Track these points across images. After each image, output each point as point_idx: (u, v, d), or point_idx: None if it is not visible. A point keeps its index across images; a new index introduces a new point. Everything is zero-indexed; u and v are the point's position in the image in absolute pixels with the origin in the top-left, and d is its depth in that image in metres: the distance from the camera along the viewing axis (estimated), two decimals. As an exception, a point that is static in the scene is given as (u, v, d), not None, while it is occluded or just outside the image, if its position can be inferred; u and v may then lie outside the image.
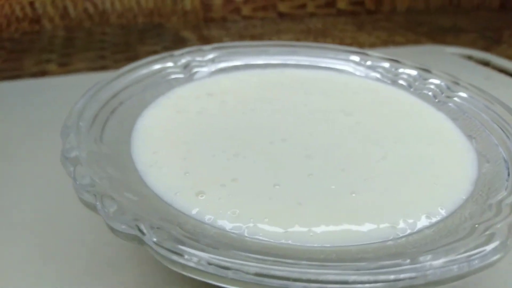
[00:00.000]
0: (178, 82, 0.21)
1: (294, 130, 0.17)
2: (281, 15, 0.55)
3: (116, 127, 0.17)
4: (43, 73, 0.35)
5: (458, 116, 0.19)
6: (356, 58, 0.23)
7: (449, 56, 0.42)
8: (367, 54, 0.23)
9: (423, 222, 0.13)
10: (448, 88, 0.20)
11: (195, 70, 0.22)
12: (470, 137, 0.17)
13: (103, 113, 0.17)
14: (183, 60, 0.22)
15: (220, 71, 0.22)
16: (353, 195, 0.14)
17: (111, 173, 0.13)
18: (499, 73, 0.37)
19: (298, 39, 0.46)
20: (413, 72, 0.22)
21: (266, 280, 0.09)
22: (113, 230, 0.11)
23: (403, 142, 0.17)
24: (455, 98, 0.20)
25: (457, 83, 0.20)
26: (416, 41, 0.47)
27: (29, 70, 0.36)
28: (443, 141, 0.17)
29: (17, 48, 0.41)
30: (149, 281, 0.14)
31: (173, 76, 0.21)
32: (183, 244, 0.10)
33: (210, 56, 0.23)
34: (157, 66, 0.21)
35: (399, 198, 0.14)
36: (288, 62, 0.24)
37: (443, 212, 0.13)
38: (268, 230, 0.12)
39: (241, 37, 0.47)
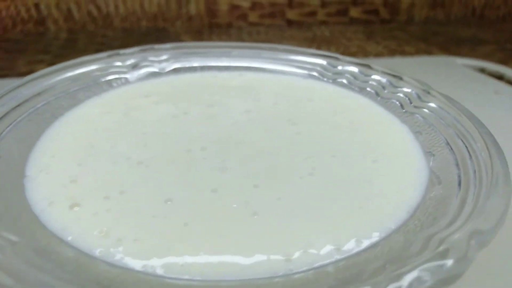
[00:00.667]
0: (119, 83, 0.19)
1: (220, 139, 0.15)
2: (290, 22, 0.53)
3: (30, 124, 0.15)
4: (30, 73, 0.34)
5: (422, 129, 0.16)
6: (324, 62, 0.21)
7: (460, 68, 0.39)
8: (337, 59, 0.21)
9: (325, 256, 0.10)
10: (419, 97, 0.18)
11: (144, 70, 0.20)
12: (429, 153, 0.15)
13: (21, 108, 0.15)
14: (132, 60, 0.20)
15: (173, 71, 0.21)
16: (255, 217, 0.11)
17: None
18: (511, 87, 0.34)
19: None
20: (383, 79, 0.19)
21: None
22: None
23: (343, 157, 0.14)
24: (424, 109, 0.17)
25: (428, 92, 0.17)
26: (427, 52, 0.44)
27: (18, 70, 0.36)
28: (394, 158, 0.15)
29: (16, 48, 0.41)
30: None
31: (116, 76, 0.19)
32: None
33: (165, 56, 0.21)
34: (101, 65, 0.19)
35: (306, 224, 0.11)
36: (251, 65, 0.21)
37: (353, 246, 0.11)
38: (133, 253, 0.10)
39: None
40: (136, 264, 0.10)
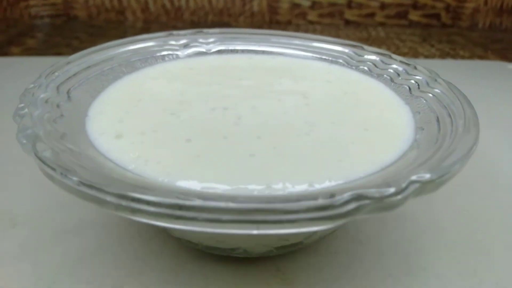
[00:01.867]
0: (171, 58, 0.23)
1: (240, 103, 0.18)
2: (347, 22, 0.55)
3: (96, 82, 0.19)
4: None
5: (421, 109, 0.18)
6: (350, 51, 0.23)
7: (508, 71, 0.38)
8: (363, 48, 0.23)
9: (300, 187, 0.13)
10: (427, 83, 0.19)
11: (193, 49, 0.24)
12: (420, 128, 0.17)
13: (94, 68, 0.20)
14: (184, 40, 0.24)
15: (217, 52, 0.24)
16: (252, 158, 0.14)
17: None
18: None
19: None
20: (400, 68, 0.21)
21: (106, 197, 0.11)
22: (20, 144, 0.13)
23: (340, 125, 0.17)
24: (429, 94, 0.19)
25: (435, 80, 0.19)
26: (482, 57, 0.44)
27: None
28: (385, 129, 0.17)
29: (98, 33, 0.48)
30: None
31: (169, 52, 0.23)
32: (61, 162, 0.12)
33: (212, 39, 0.25)
34: (158, 42, 0.23)
35: (288, 167, 0.14)
36: (284, 51, 0.24)
37: (326, 185, 0.13)
38: (156, 171, 0.14)
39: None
40: (157, 177, 0.13)
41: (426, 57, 0.43)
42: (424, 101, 0.18)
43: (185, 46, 0.24)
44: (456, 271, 0.17)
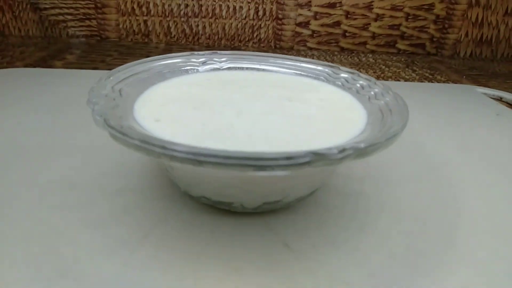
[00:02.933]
0: (193, 71, 0.30)
1: (242, 103, 0.25)
2: (342, 49, 0.62)
3: (138, 85, 0.27)
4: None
5: (374, 112, 0.25)
6: (329, 70, 0.30)
7: (477, 95, 0.45)
8: (339, 68, 0.30)
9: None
10: (382, 94, 0.26)
11: (209, 66, 0.31)
12: (368, 124, 0.24)
13: (136, 76, 0.27)
14: (203, 59, 0.31)
15: (227, 68, 0.32)
16: (249, 136, 0.21)
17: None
18: None
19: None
20: (365, 83, 0.28)
21: (154, 148, 0.18)
22: (95, 120, 0.20)
23: (311, 119, 0.24)
24: (382, 101, 0.26)
25: (387, 91, 0.26)
26: (456, 81, 0.51)
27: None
28: (343, 124, 0.24)
29: (127, 52, 0.56)
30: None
31: (191, 67, 0.31)
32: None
33: (224, 58, 0.32)
34: (183, 59, 0.31)
35: (270, 142, 0.21)
36: (279, 69, 0.32)
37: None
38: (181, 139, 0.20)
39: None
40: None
41: (406, 80, 0.50)
42: (377, 106, 0.25)
43: (203, 63, 0.31)
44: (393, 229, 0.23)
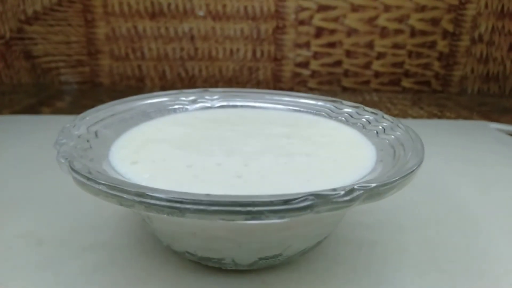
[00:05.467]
0: (181, 110, 0.28)
1: (234, 141, 0.22)
2: (345, 88, 0.60)
3: (120, 125, 0.24)
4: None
5: (384, 147, 0.22)
6: (331, 105, 0.28)
7: (491, 131, 0.42)
8: (341, 103, 0.28)
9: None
10: (391, 129, 0.23)
11: (200, 104, 0.29)
12: (380, 161, 0.21)
13: (117, 116, 0.24)
14: (193, 97, 0.29)
15: (220, 107, 0.29)
16: (239, 178, 0.18)
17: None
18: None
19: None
20: (371, 117, 0.25)
21: (124, 195, 0.15)
22: (59, 163, 0.17)
23: (313, 157, 0.21)
24: (392, 136, 0.23)
25: (398, 126, 0.23)
26: (467, 118, 0.48)
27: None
28: (350, 160, 0.21)
29: (120, 97, 0.54)
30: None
31: (179, 106, 0.28)
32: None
33: (216, 96, 0.29)
34: (171, 98, 0.28)
35: (266, 186, 0.18)
36: (275, 106, 0.29)
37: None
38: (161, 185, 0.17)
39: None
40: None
41: (415, 118, 0.47)
42: (387, 141, 0.22)
43: (193, 101, 0.29)
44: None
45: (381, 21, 0.57)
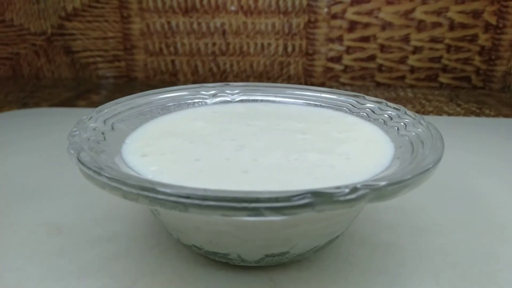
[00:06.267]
0: (200, 104, 0.28)
1: (247, 136, 0.22)
2: (378, 84, 0.59)
3: (138, 118, 0.24)
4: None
5: (403, 144, 0.21)
6: (353, 100, 0.27)
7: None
8: (364, 98, 0.27)
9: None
10: (413, 125, 0.22)
11: (220, 98, 0.29)
12: (397, 158, 0.20)
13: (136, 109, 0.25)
14: (214, 91, 0.29)
15: (240, 101, 0.29)
16: (245, 173, 0.18)
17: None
18: None
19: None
20: (393, 113, 0.24)
21: (128, 189, 0.15)
22: (69, 154, 0.17)
23: (325, 154, 0.20)
24: (413, 132, 0.21)
25: (419, 122, 0.22)
26: (508, 116, 0.45)
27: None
28: (366, 157, 0.20)
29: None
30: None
31: (199, 100, 0.28)
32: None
33: (237, 90, 0.29)
34: (192, 92, 0.28)
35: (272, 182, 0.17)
36: (296, 101, 0.28)
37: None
38: (166, 178, 0.17)
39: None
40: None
41: (450, 115, 0.45)
42: (407, 138, 0.21)
43: (214, 95, 0.29)
44: (431, 289, 0.19)
45: (418, 14, 0.55)
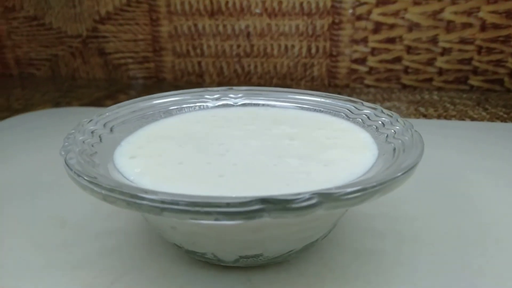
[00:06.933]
0: (201, 108, 0.29)
1: (235, 141, 0.23)
2: (404, 86, 0.57)
3: (138, 121, 0.25)
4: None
5: (387, 152, 0.21)
6: (351, 106, 0.27)
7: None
8: (362, 104, 0.27)
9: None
10: (402, 133, 0.22)
11: (222, 102, 0.29)
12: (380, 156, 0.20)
13: (138, 112, 0.26)
14: (217, 95, 0.30)
15: (242, 105, 0.29)
16: (221, 177, 0.19)
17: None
18: None
19: (392, 107, 0.48)
20: (387, 120, 0.24)
21: (101, 191, 0.16)
22: (60, 155, 0.19)
23: (305, 161, 0.20)
24: (399, 140, 0.21)
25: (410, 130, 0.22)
26: (536, 121, 0.43)
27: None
28: (351, 159, 0.20)
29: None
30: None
31: (202, 104, 0.29)
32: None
33: (240, 94, 0.30)
34: (195, 95, 0.29)
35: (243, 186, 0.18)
36: (295, 105, 0.29)
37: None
38: (146, 181, 0.18)
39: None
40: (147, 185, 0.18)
41: (474, 120, 0.43)
42: (392, 145, 0.21)
43: (217, 99, 0.30)
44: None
45: (447, 15, 0.53)
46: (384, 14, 0.55)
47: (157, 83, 0.63)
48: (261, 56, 0.59)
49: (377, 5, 0.55)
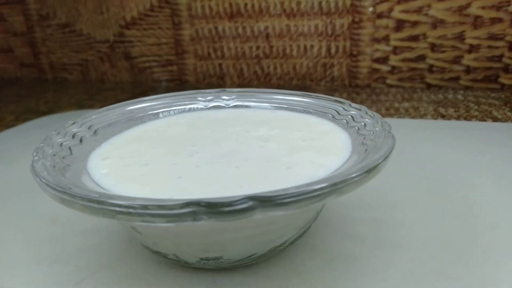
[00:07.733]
0: (192, 109, 0.29)
1: (209, 142, 0.23)
2: (429, 85, 0.55)
3: (121, 125, 0.26)
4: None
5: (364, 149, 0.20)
6: (338, 107, 0.26)
7: None
8: (349, 105, 0.26)
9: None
10: (383, 133, 0.21)
11: (214, 103, 0.30)
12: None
13: (127, 115, 0.27)
14: (210, 97, 0.30)
15: (233, 107, 0.29)
16: (180, 179, 0.19)
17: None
18: None
19: (410, 108, 0.46)
20: (369, 121, 0.23)
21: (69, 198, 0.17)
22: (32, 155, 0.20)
23: (273, 162, 0.20)
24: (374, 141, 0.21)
25: (384, 132, 0.21)
26: None
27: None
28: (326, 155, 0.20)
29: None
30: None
31: (193, 106, 0.29)
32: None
33: (233, 96, 0.30)
34: (188, 97, 0.30)
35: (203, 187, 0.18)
36: (282, 105, 0.28)
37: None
38: (108, 181, 0.19)
39: (363, 100, 0.50)
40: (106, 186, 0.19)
41: (496, 120, 0.41)
42: (366, 148, 0.20)
43: (209, 101, 0.30)
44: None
45: (474, 10, 0.50)
46: (406, 11, 0.53)
47: (180, 86, 0.64)
48: (280, 57, 0.59)
49: (399, 2, 0.53)
